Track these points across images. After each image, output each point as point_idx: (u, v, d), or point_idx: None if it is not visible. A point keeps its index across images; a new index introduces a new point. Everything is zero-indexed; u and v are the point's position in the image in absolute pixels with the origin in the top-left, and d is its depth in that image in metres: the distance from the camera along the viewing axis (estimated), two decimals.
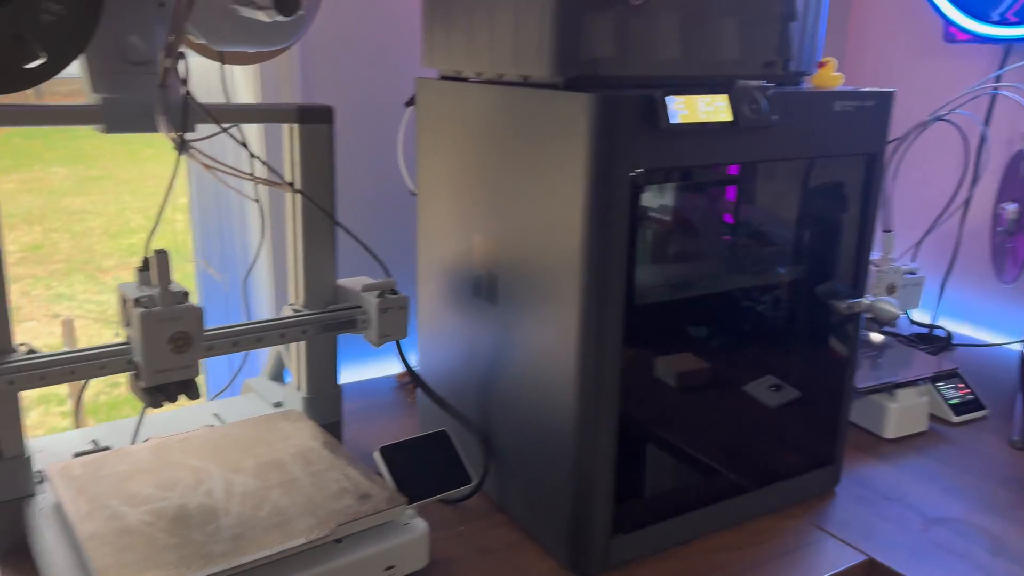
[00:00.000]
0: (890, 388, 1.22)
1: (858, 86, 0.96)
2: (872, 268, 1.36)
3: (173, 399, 0.82)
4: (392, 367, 1.46)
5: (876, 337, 1.38)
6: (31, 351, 0.83)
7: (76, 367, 0.81)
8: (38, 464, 0.90)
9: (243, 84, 1.28)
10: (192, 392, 0.82)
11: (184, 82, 0.82)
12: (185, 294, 0.80)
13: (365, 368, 1.44)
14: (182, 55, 0.81)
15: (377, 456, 0.93)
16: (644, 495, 0.98)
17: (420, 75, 1.07)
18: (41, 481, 0.90)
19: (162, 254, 0.80)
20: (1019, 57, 1.53)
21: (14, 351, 0.83)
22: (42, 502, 0.87)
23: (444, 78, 1.02)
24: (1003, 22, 1.48)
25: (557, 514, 0.91)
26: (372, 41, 1.33)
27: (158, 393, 0.83)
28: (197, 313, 0.81)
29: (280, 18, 0.89)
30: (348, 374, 1.39)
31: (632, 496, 0.94)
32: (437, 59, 1.02)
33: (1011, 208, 1.30)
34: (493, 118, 0.93)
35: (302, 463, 0.91)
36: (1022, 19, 1.44)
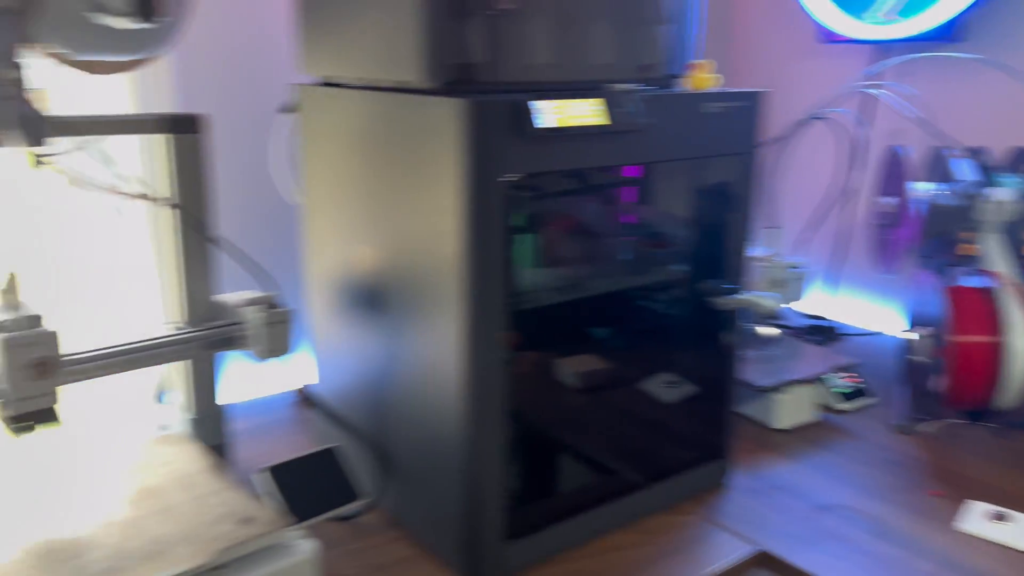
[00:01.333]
0: (786, 385, 1.25)
1: (738, 87, 0.98)
2: (758, 264, 1.39)
3: (31, 429, 0.77)
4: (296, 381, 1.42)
5: (767, 331, 1.42)
6: None
7: None
8: None
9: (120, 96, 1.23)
10: (52, 419, 0.78)
11: (26, 93, 0.77)
12: (38, 317, 0.76)
13: (265, 384, 1.40)
14: (17, 66, 0.76)
15: (261, 477, 0.90)
16: (538, 498, 0.98)
17: (296, 81, 1.05)
18: None
19: (11, 277, 0.75)
20: (889, 56, 1.60)
21: None
22: None
23: (325, 84, 1.00)
24: (885, 22, 1.54)
25: (451, 523, 0.89)
26: (251, 47, 1.29)
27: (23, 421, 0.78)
28: (53, 337, 0.76)
29: (141, 25, 0.86)
30: (246, 391, 1.35)
31: (526, 500, 0.94)
32: (312, 65, 1.00)
33: (888, 202, 1.36)
34: (371, 125, 0.91)
35: (181, 488, 0.87)
36: (905, 16, 1.50)
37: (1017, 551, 0.95)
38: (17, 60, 0.73)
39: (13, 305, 0.75)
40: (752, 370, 1.27)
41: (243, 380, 1.34)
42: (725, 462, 1.09)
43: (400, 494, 0.98)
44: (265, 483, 0.90)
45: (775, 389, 1.25)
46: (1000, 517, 1.00)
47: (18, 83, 0.75)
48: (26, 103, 0.78)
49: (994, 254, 1.21)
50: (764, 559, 0.96)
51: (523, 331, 1.10)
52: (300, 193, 1.08)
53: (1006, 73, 1.34)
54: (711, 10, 1.83)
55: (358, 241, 0.96)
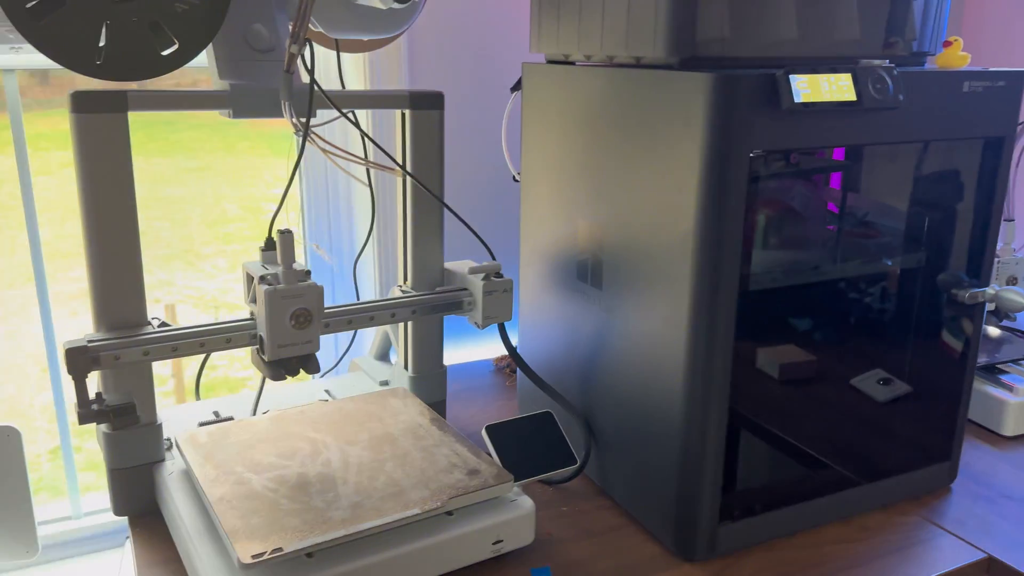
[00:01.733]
0: (995, 376, 1.16)
1: (985, 67, 0.92)
2: (994, 259, 1.30)
3: (295, 373, 0.85)
4: (488, 351, 1.48)
5: (993, 331, 1.32)
6: (163, 324, 0.88)
7: (205, 340, 0.86)
8: (166, 432, 0.95)
9: (351, 72, 1.32)
10: (312, 366, 0.85)
11: (310, 69, 0.85)
12: (307, 273, 0.83)
13: (460, 351, 1.46)
14: (308, 42, 0.84)
15: (484, 434, 0.95)
16: (751, 484, 0.97)
17: (527, 60, 1.08)
18: (170, 447, 0.95)
19: (287, 234, 0.83)
20: None
21: (149, 324, 0.88)
22: (171, 467, 0.92)
23: (551, 62, 1.03)
24: None
25: (663, 499, 0.90)
26: (478, 27, 1.34)
27: (280, 367, 0.86)
28: (319, 291, 0.84)
29: (395, 5, 0.92)
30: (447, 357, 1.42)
31: (739, 485, 0.93)
32: (544, 43, 1.03)
33: None
34: (602, 101, 0.93)
35: (412, 438, 0.94)
36: None
37: None
38: (303, 38, 0.80)
39: (286, 260, 0.83)
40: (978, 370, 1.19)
41: (454, 343, 1.41)
42: (953, 465, 1.03)
43: (606, 465, 1.00)
44: (484, 440, 0.94)
45: (1002, 391, 1.16)
46: None
47: (301, 59, 0.83)
48: (303, 78, 0.86)
49: None
50: (994, 567, 0.91)
51: (744, 315, 1.09)
52: (518, 169, 1.12)
53: None
54: None
55: (577, 216, 0.99)
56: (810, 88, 0.75)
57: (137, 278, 0.87)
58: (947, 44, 0.91)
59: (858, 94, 0.77)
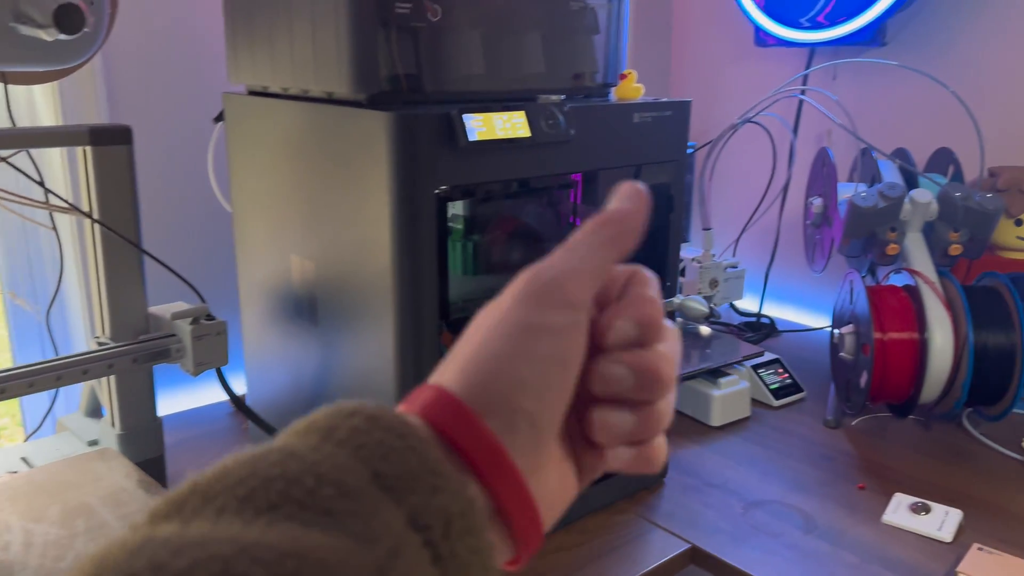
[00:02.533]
0: (704, 373, 1.28)
1: (678, 91, 1.00)
2: (696, 265, 1.42)
3: None
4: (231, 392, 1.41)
5: (704, 330, 1.45)
6: None
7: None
8: None
9: (43, 106, 1.20)
10: None
11: None
12: None
13: (201, 393, 1.38)
14: None
15: None
16: None
17: (228, 90, 1.04)
18: None
19: None
20: (821, 60, 1.65)
21: None
22: None
23: (252, 93, 0.99)
24: (814, 26, 1.58)
25: None
26: (184, 54, 1.27)
27: None
28: None
29: (62, 36, 0.84)
30: (182, 401, 1.34)
31: None
32: (242, 74, 0.99)
33: (817, 202, 1.39)
34: (301, 135, 0.91)
35: (113, 506, 0.87)
36: (832, 22, 1.55)
37: (936, 540, 0.99)
38: None
39: None
40: (685, 366, 1.30)
41: (177, 392, 1.32)
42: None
43: None
44: None
45: (709, 384, 1.28)
46: (922, 508, 1.04)
47: None
48: None
49: (915, 253, 1.25)
50: (696, 555, 0.99)
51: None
52: (229, 203, 1.07)
53: (924, 75, 1.39)
54: (650, 14, 1.86)
55: (290, 251, 0.96)
56: (485, 126, 0.78)
57: None
58: (623, 76, 0.98)
59: (532, 130, 0.81)
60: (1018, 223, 1.35)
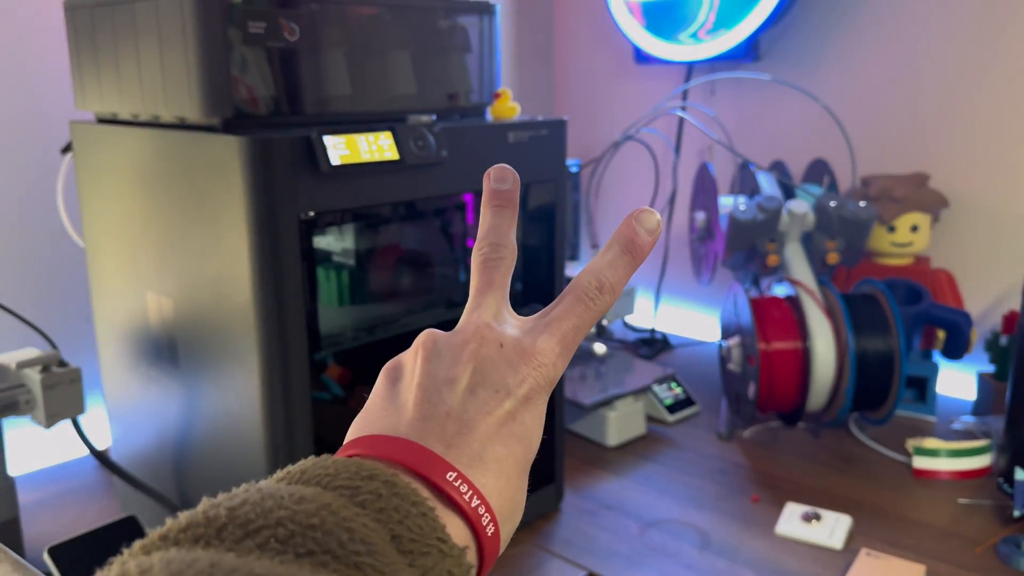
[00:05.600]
0: (611, 400, 1.27)
1: (561, 108, 0.98)
2: None
3: None
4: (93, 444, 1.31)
5: (599, 348, 1.44)
6: None
7: None
8: None
9: None
10: None
11: None
12: None
13: (66, 448, 1.28)
14: None
15: (46, 558, 0.81)
16: None
17: (75, 118, 0.96)
18: None
19: None
20: (699, 76, 1.67)
21: None
22: None
23: (101, 121, 0.92)
24: (697, 42, 1.60)
25: None
26: (30, 81, 1.18)
27: None
28: None
29: None
30: (43, 457, 1.23)
31: None
32: (89, 101, 0.92)
33: (700, 216, 1.41)
34: (152, 164, 0.85)
35: None
36: (714, 34, 1.57)
37: (827, 549, 1.00)
38: None
39: None
40: (581, 388, 1.29)
41: (35, 446, 1.22)
42: (557, 486, 1.09)
43: None
44: (49, 565, 0.81)
45: (603, 405, 1.26)
46: (813, 516, 1.05)
47: None
48: None
49: (795, 263, 1.28)
50: None
51: (353, 367, 1.05)
52: (82, 238, 0.99)
53: (795, 90, 1.43)
54: (532, 34, 1.86)
55: (146, 289, 0.89)
56: (348, 149, 0.74)
57: None
58: (497, 96, 0.96)
59: (400, 152, 0.77)
60: (891, 230, 1.40)
